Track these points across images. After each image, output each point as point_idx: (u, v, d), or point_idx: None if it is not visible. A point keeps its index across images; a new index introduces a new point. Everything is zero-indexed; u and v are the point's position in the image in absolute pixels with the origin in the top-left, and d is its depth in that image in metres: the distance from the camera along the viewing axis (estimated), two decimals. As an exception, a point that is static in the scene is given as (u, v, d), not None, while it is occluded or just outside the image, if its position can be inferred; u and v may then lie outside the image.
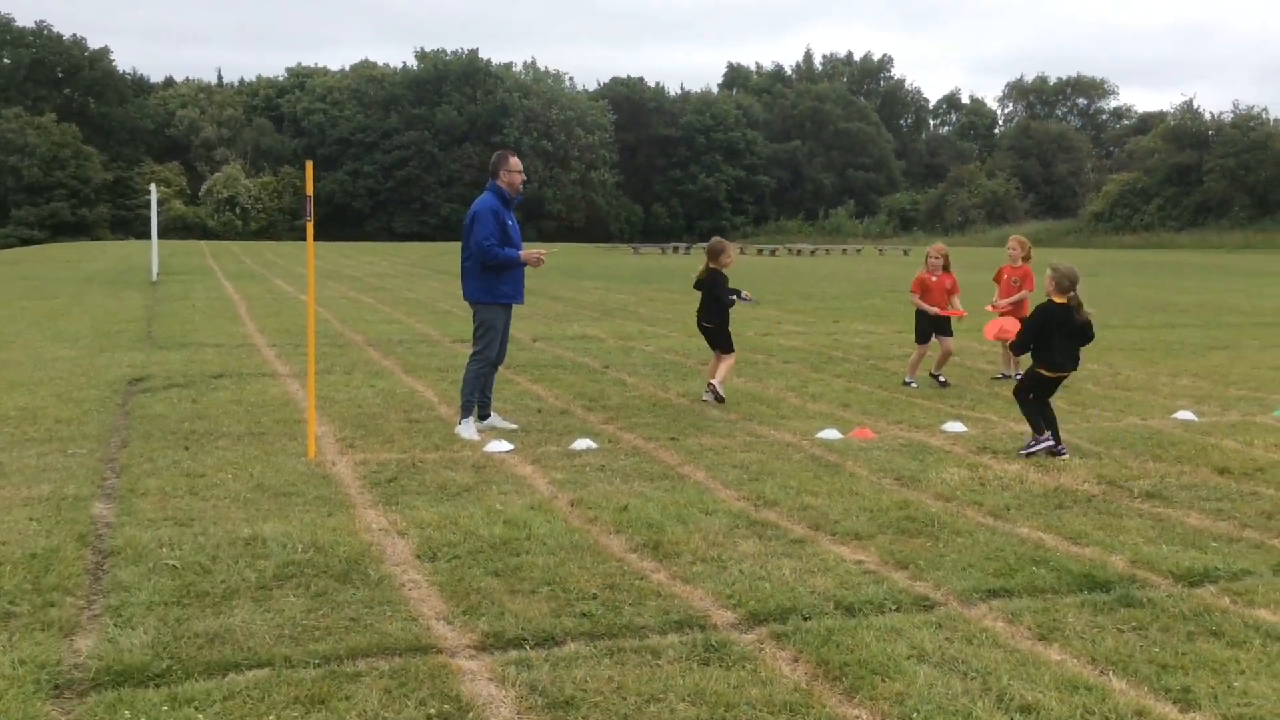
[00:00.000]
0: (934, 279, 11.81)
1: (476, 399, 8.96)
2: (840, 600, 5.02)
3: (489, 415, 9.10)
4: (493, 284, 8.85)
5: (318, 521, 6.15)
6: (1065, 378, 8.48)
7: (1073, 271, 8.25)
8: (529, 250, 9.01)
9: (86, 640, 4.47)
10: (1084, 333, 8.29)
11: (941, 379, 11.74)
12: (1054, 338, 8.21)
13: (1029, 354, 8.44)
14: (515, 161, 8.94)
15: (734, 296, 10.83)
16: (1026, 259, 12.48)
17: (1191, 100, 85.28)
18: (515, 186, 8.94)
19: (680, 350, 14.58)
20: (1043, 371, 8.31)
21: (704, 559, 5.61)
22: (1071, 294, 8.20)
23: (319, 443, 8.27)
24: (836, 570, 5.46)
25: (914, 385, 11.67)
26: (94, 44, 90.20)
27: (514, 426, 9.05)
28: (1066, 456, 8.14)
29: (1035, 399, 8.37)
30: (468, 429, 8.76)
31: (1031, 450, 8.23)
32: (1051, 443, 8.22)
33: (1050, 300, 8.30)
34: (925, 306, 11.76)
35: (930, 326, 11.81)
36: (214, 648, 4.38)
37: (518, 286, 9.01)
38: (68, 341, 14.54)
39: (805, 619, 4.80)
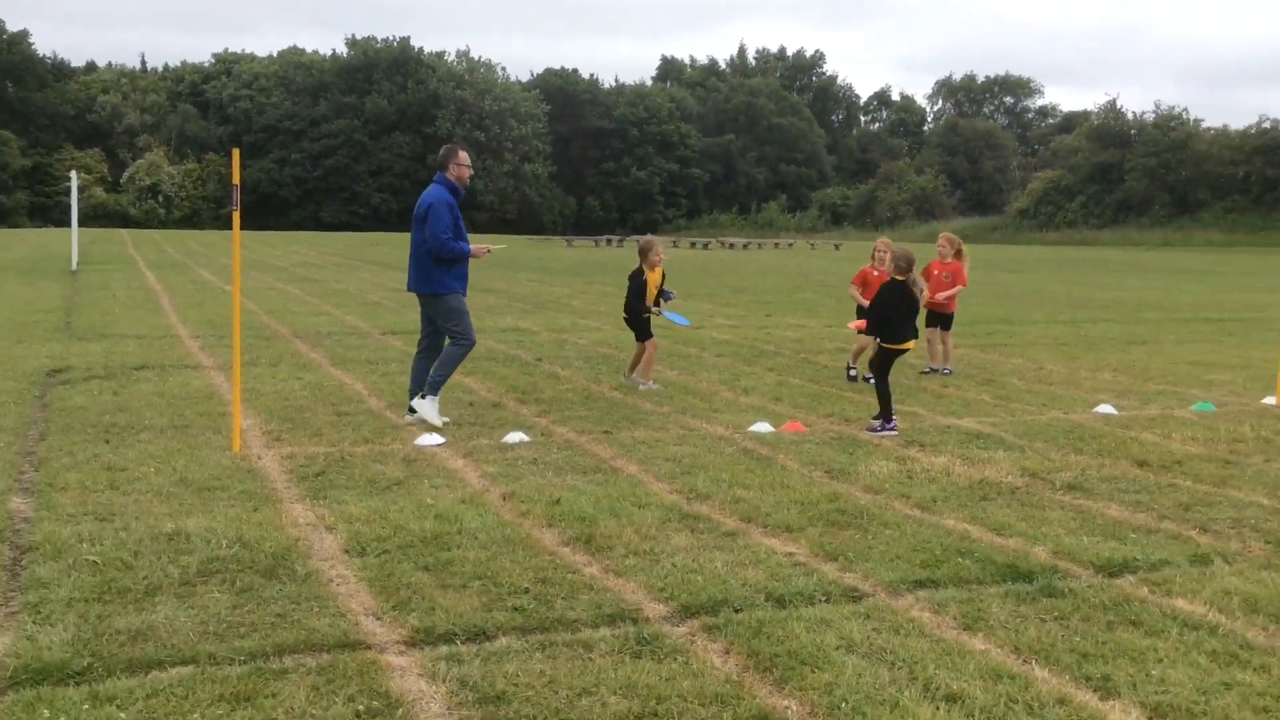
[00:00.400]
0: (876, 274, 11.72)
1: (445, 382, 9.07)
2: (771, 592, 5.06)
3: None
4: (444, 276, 8.90)
5: (243, 516, 6.06)
6: (910, 348, 9.52)
7: (909, 253, 9.28)
8: (478, 244, 9.15)
9: (4, 638, 4.36)
10: (915, 305, 9.33)
11: (871, 379, 11.70)
12: (900, 314, 9.15)
13: (880, 335, 9.32)
14: (464, 156, 9.07)
15: (657, 307, 10.88)
16: (958, 255, 12.67)
17: (1115, 100, 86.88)
18: (464, 180, 9.05)
19: (613, 343, 14.57)
20: (893, 347, 9.23)
21: (636, 552, 5.62)
22: (909, 274, 9.21)
23: (244, 436, 8.15)
24: (768, 562, 5.50)
25: (855, 372, 11.75)
26: (12, 26, 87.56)
27: (445, 420, 8.98)
28: (897, 432, 8.93)
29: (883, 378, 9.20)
30: (431, 408, 8.81)
31: (880, 432, 8.91)
32: (895, 430, 8.94)
33: (893, 279, 9.26)
34: (863, 301, 11.64)
35: None
36: (136, 645, 4.30)
37: (465, 279, 9.09)
38: (-17, 331, 14.14)
39: (736, 611, 4.83)
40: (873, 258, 11.91)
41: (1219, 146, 74.11)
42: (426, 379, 9.04)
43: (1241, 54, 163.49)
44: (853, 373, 11.82)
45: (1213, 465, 7.96)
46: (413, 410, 8.99)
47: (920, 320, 12.33)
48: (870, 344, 11.86)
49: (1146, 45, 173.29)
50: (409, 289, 9.10)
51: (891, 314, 9.15)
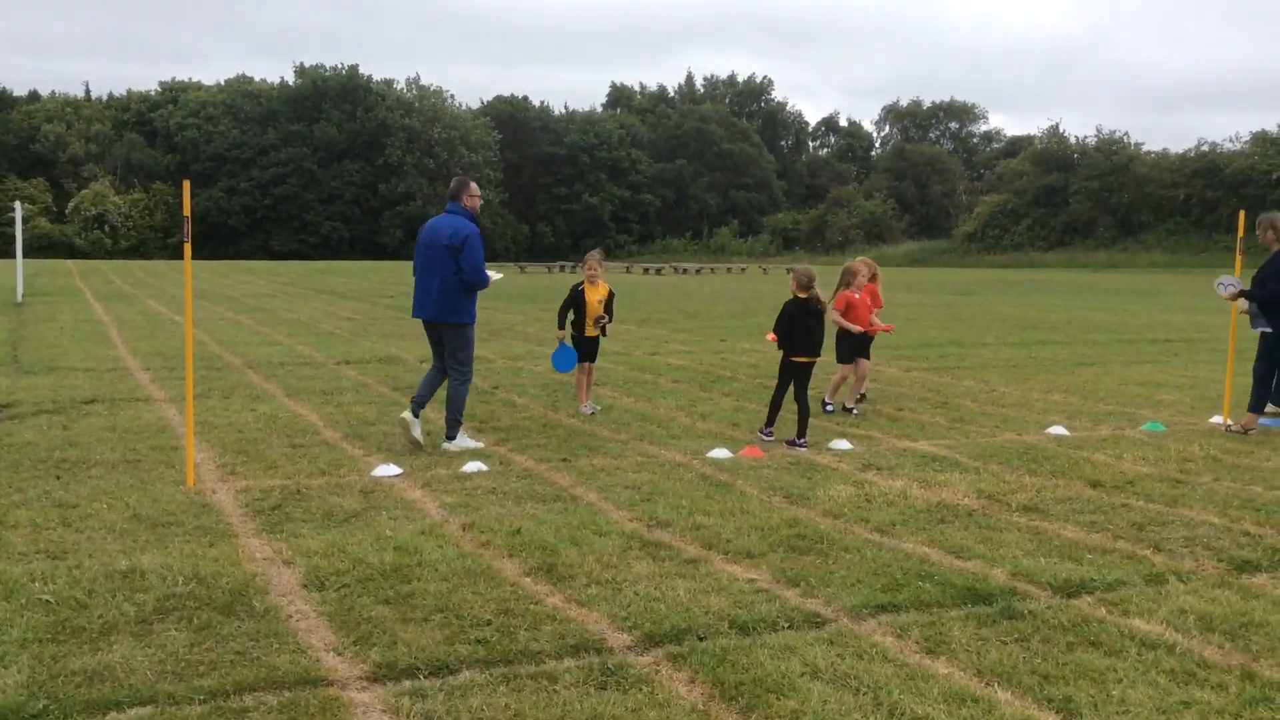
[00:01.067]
0: (857, 296, 11.37)
1: (463, 416, 9.29)
2: (734, 619, 5.06)
3: (418, 415, 9.03)
4: (469, 306, 9.13)
5: (199, 552, 5.97)
6: (815, 361, 9.83)
7: (810, 271, 9.84)
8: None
9: (-47, 683, 4.26)
10: (820, 319, 9.78)
11: (855, 409, 11.30)
12: (801, 328, 9.62)
13: (786, 348, 9.74)
14: (475, 187, 9.31)
15: (598, 324, 11.08)
16: (873, 279, 12.43)
17: (1057, 125, 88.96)
18: (476, 210, 9.24)
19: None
20: (794, 360, 9.68)
21: (598, 581, 5.61)
22: (810, 290, 9.67)
23: (198, 470, 8.04)
24: (730, 589, 5.51)
25: (831, 407, 11.39)
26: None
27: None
28: (806, 448, 9.29)
29: (790, 388, 9.71)
30: (464, 440, 9.15)
31: (764, 439, 9.56)
32: (771, 430, 9.70)
33: (795, 297, 9.68)
34: (849, 325, 11.23)
35: (855, 347, 11.40)
36: (93, 686, 4.22)
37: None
38: (-74, 366, 13.86)
39: (700, 639, 4.83)
40: (853, 281, 11.42)
41: (1159, 169, 75.64)
42: (425, 399, 9.17)
43: (1179, 79, 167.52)
44: (829, 407, 11.37)
45: (1164, 485, 8.09)
46: (408, 420, 8.95)
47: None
48: (847, 375, 11.56)
49: (1087, 71, 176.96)
50: (424, 316, 9.13)
51: (796, 328, 9.63)
